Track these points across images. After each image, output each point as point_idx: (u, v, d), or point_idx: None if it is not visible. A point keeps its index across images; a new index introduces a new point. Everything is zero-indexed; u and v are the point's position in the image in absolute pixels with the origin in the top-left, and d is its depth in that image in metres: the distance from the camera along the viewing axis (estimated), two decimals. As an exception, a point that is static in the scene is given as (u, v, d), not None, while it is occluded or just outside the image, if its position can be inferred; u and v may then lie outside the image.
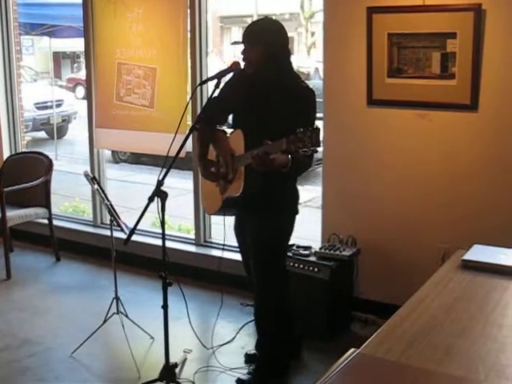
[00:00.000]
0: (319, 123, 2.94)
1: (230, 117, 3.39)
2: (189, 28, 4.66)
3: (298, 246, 4.05)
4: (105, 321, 3.77)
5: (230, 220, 3.47)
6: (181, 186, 7.23)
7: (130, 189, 8.37)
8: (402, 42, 3.76)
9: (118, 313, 3.77)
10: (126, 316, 3.79)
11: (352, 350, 1.68)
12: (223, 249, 3.81)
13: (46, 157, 5.34)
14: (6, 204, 4.89)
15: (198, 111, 4.57)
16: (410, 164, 3.89)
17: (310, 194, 7.44)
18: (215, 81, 3.06)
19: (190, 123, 4.54)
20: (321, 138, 2.69)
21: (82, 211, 6.46)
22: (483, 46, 3.54)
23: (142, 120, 5.00)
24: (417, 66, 3.74)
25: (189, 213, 5.21)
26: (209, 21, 5.03)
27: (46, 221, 5.24)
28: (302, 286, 3.81)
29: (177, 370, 3.38)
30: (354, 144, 4.05)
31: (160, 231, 3.14)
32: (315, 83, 8.68)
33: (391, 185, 3.97)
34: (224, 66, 3.24)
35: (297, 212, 3.32)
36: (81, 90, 15.39)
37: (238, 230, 3.47)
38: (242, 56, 3.11)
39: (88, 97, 5.37)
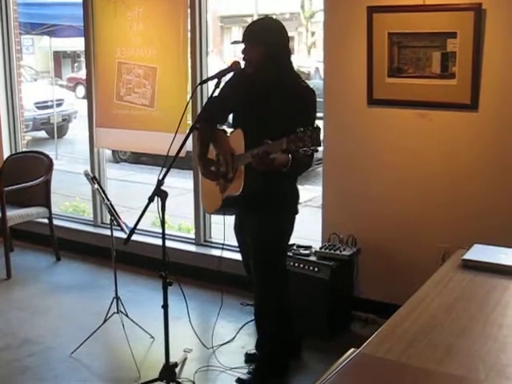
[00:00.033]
0: (319, 123, 2.94)
1: (230, 116, 3.40)
2: (189, 27, 4.66)
3: (298, 246, 4.05)
4: (105, 320, 3.77)
5: (230, 219, 3.47)
6: (181, 185, 7.23)
7: (130, 188, 8.36)
8: (402, 42, 3.76)
9: (118, 312, 3.77)
10: (126, 315, 3.79)
11: (352, 349, 1.68)
12: (223, 248, 3.82)
13: (47, 156, 5.34)
14: (6, 203, 4.88)
15: (198, 111, 4.57)
16: (410, 164, 3.89)
17: (310, 193, 7.43)
18: (215, 80, 3.06)
19: (190, 123, 4.54)
20: (321, 138, 2.69)
21: (82, 211, 6.46)
22: (483, 46, 3.54)
23: (143, 119, 5.00)
24: (417, 65, 3.74)
25: (189, 212, 5.21)
26: (209, 20, 5.04)
27: (46, 220, 5.24)
28: (302, 286, 3.81)
29: (177, 370, 3.38)
30: (355, 144, 4.05)
31: (160, 231, 3.14)
32: (315, 83, 8.66)
33: (391, 184, 3.97)
34: (224, 66, 3.24)
35: (297, 211, 3.32)
36: (81, 90, 15.38)
37: (238, 229, 3.47)
38: (242, 55, 3.11)
39: (88, 96, 5.37)
